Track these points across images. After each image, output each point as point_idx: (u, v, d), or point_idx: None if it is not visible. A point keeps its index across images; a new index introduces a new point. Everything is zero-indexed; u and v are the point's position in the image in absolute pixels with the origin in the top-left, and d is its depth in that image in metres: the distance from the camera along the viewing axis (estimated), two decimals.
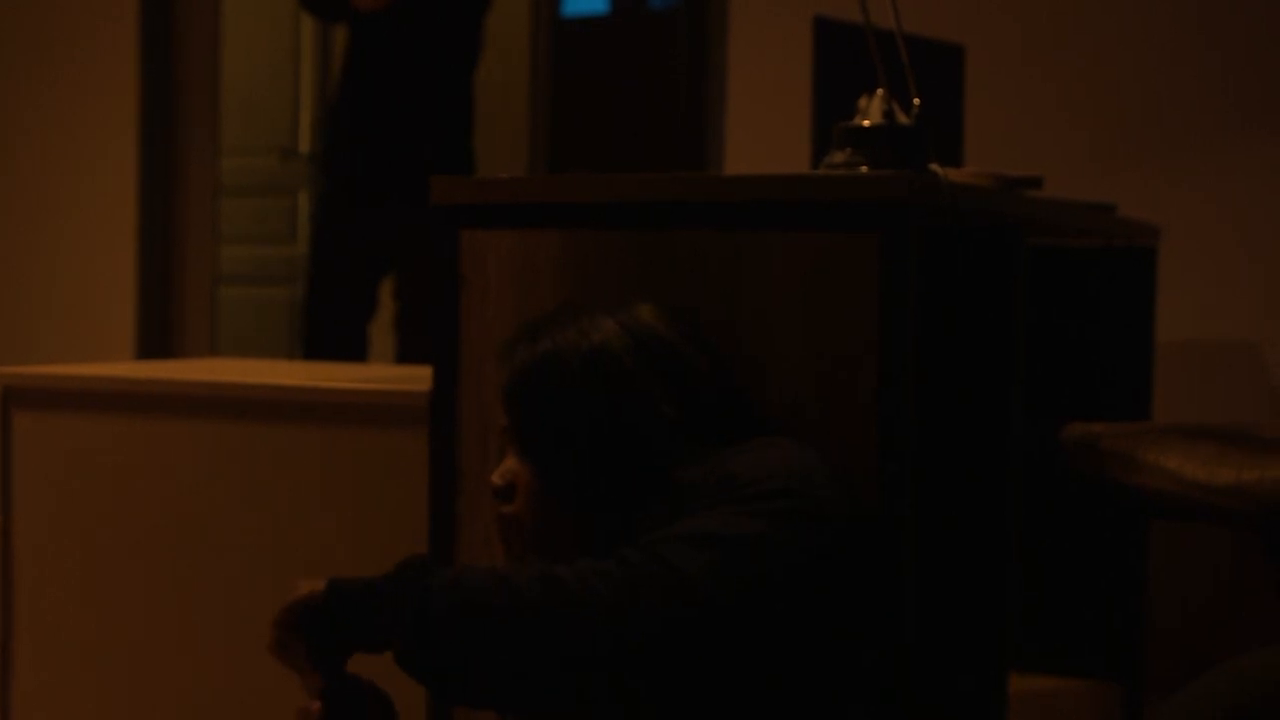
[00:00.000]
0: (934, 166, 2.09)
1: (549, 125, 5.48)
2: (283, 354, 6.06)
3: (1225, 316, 3.78)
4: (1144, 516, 2.36)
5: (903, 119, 2.11)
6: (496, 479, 1.86)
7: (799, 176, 2.03)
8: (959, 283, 2.33)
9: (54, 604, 2.45)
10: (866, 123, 2.12)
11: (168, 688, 2.37)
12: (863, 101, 2.50)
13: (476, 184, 2.16)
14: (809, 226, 1.98)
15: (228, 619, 2.33)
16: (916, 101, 2.13)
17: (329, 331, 4.39)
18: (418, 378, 2.33)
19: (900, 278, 1.94)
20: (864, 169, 2.07)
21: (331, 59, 5.96)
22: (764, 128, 4.16)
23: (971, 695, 2.35)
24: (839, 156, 2.11)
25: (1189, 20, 3.84)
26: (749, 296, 2.00)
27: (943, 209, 2.08)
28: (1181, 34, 3.85)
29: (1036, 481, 2.39)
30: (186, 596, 2.36)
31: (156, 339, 4.90)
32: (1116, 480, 1.97)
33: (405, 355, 4.41)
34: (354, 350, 4.39)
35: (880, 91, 2.13)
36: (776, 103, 4.08)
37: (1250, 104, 3.82)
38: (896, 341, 1.95)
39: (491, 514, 2.14)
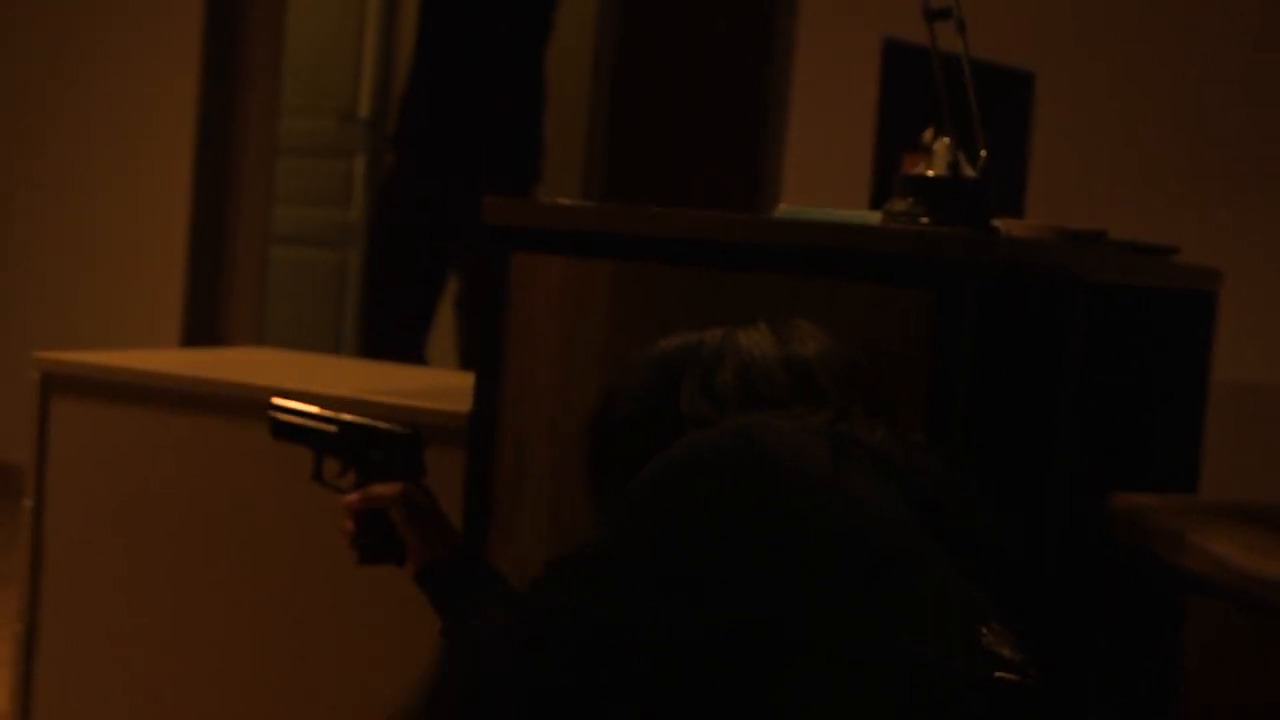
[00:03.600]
0: (996, 224, 2.05)
1: (608, 126, 5.44)
2: (330, 316, 6.04)
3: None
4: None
5: (968, 170, 2.07)
6: None
7: (857, 226, 1.99)
8: (1013, 331, 2.29)
9: (81, 589, 2.44)
10: (930, 172, 2.07)
11: (191, 676, 2.36)
12: (928, 135, 2.45)
13: (531, 208, 2.14)
14: (865, 277, 1.95)
15: (252, 613, 2.32)
16: (983, 153, 2.09)
17: (392, 308, 4.36)
18: (459, 391, 2.30)
19: (954, 336, 1.90)
20: (925, 220, 2.03)
21: (397, 24, 5.93)
22: (826, 145, 4.11)
23: None
24: (900, 204, 2.06)
25: (1265, 60, 3.77)
26: None
27: (1001, 265, 2.04)
28: (1257, 74, 3.78)
29: (1078, 540, 2.36)
30: (212, 589, 2.35)
31: (206, 297, 4.90)
32: (1161, 558, 1.94)
33: (466, 333, 4.40)
34: (417, 328, 4.36)
35: (946, 140, 2.09)
36: (840, 120, 4.02)
37: None
38: (947, 399, 1.91)
39: (523, 537, 2.13)
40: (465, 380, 2.25)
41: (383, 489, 1.92)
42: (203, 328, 4.88)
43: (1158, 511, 1.98)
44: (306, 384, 2.31)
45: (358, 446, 1.97)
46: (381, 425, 1.97)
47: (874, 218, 2.26)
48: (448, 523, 1.94)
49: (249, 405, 2.28)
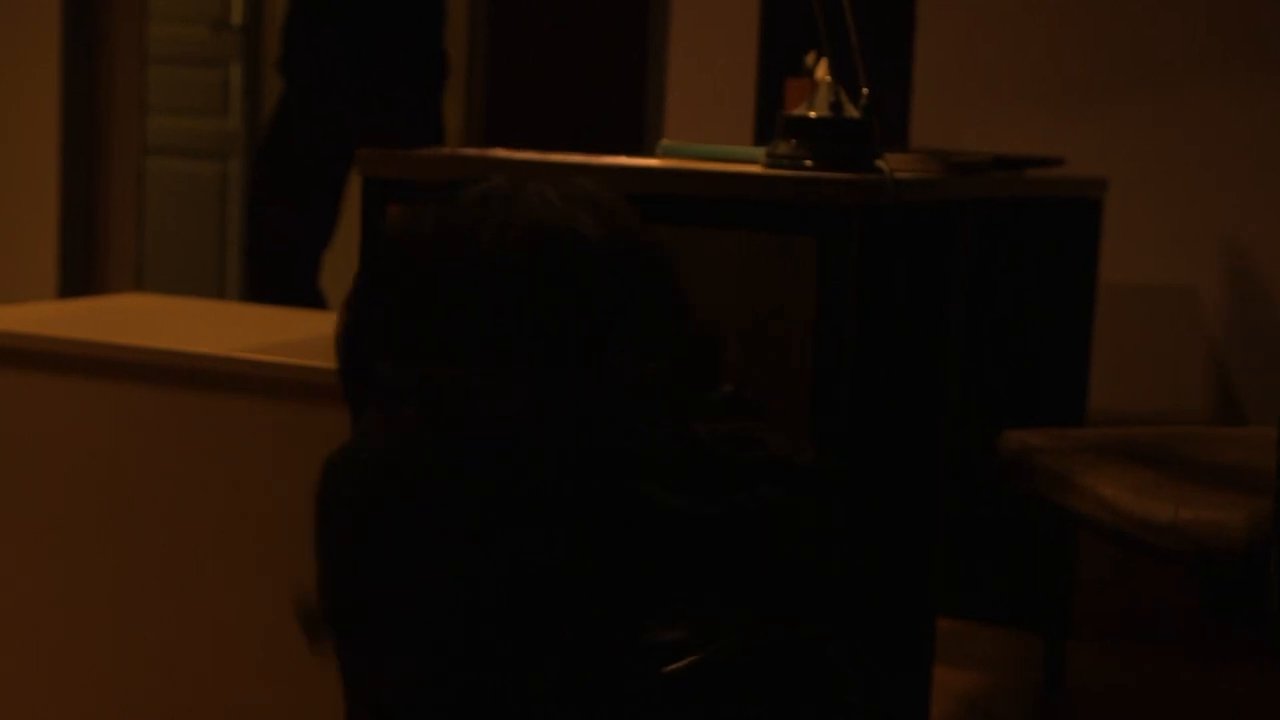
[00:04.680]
0: (880, 163, 2.02)
1: (486, 67, 5.32)
2: (214, 226, 5.93)
3: (1168, 259, 3.74)
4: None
5: (850, 110, 2.03)
6: None
7: (739, 175, 1.95)
8: (900, 268, 2.27)
9: None
10: (813, 114, 2.03)
11: (82, 656, 2.32)
12: (810, 58, 2.40)
13: (404, 159, 2.07)
14: (748, 225, 1.92)
15: (125, 588, 2.28)
16: (865, 91, 2.05)
17: (280, 244, 4.26)
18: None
19: (839, 283, 1.88)
20: (808, 163, 2.00)
21: None
22: (710, 72, 4.03)
23: (902, 632, 2.35)
24: (783, 147, 2.03)
25: None
26: (686, 288, 1.93)
27: (885, 207, 2.02)
28: None
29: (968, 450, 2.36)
30: (85, 561, 2.30)
31: (82, 207, 4.78)
32: (1051, 499, 1.93)
33: None
34: (312, 250, 4.27)
35: (828, 80, 2.05)
36: (724, 46, 3.95)
37: (1202, 53, 3.74)
38: (834, 344, 1.89)
39: None
40: None
41: None
42: (80, 240, 4.77)
43: (1046, 452, 1.97)
44: (187, 339, 2.25)
45: None
46: None
47: (757, 153, 2.22)
48: None
49: (134, 370, 2.22)
